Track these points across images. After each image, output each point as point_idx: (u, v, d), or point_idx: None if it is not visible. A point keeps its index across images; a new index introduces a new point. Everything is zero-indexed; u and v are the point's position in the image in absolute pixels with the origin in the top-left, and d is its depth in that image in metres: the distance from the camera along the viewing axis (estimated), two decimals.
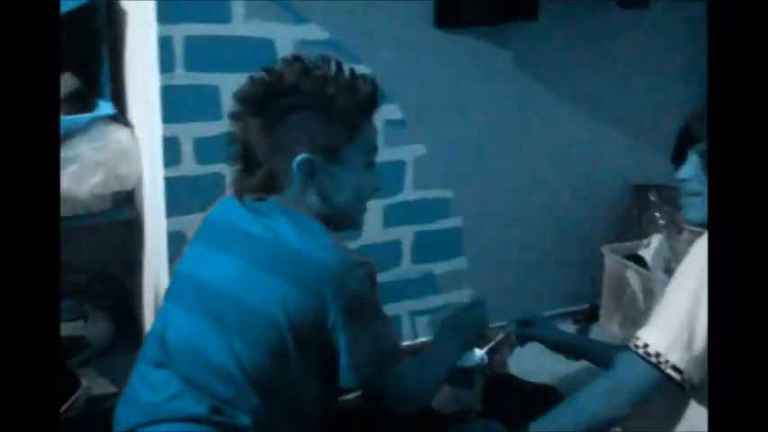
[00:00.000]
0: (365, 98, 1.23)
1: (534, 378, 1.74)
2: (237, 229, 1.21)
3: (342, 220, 1.26)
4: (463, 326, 1.42)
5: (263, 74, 1.22)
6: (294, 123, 1.19)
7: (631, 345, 1.25)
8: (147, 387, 1.21)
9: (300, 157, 1.19)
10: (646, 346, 1.23)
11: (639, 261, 2.22)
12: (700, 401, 1.25)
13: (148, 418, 1.17)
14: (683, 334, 1.20)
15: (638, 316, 2.13)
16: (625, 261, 2.23)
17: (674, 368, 1.21)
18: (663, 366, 1.21)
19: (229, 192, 1.27)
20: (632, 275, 2.20)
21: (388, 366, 1.23)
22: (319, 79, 1.21)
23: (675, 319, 1.22)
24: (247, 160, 1.22)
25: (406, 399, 1.29)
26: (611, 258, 2.26)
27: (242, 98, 1.22)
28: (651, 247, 2.22)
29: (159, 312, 1.28)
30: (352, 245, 2.00)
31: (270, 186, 1.21)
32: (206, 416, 1.15)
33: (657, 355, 1.22)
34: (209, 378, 1.16)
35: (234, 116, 1.23)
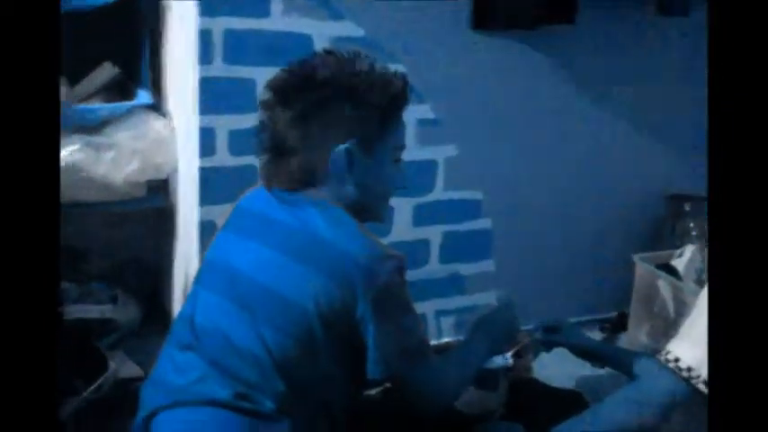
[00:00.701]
0: (397, 94, 1.24)
1: (559, 383, 1.73)
2: (268, 219, 1.23)
3: (370, 212, 1.28)
4: (494, 328, 1.42)
5: (297, 65, 1.24)
6: (331, 115, 1.21)
7: (662, 358, 1.24)
8: (174, 369, 1.22)
9: (343, 146, 1.20)
10: (677, 360, 1.22)
11: (671, 271, 2.19)
12: None
13: (173, 399, 1.19)
14: None
15: (667, 326, 2.10)
16: (656, 270, 2.20)
17: (706, 383, 1.19)
18: (694, 381, 1.20)
19: (261, 182, 1.29)
20: (663, 285, 2.18)
21: (416, 361, 1.23)
22: (354, 73, 1.22)
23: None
24: (277, 150, 1.23)
25: (432, 396, 1.29)
26: (642, 267, 2.23)
27: (275, 88, 1.23)
28: (684, 258, 2.19)
29: (188, 296, 1.31)
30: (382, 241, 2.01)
31: (303, 176, 1.22)
32: (229, 400, 1.16)
33: (689, 369, 1.20)
34: (234, 362, 1.18)
35: (265, 105, 1.24)
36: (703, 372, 1.19)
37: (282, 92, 1.22)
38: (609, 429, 1.25)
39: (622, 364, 1.52)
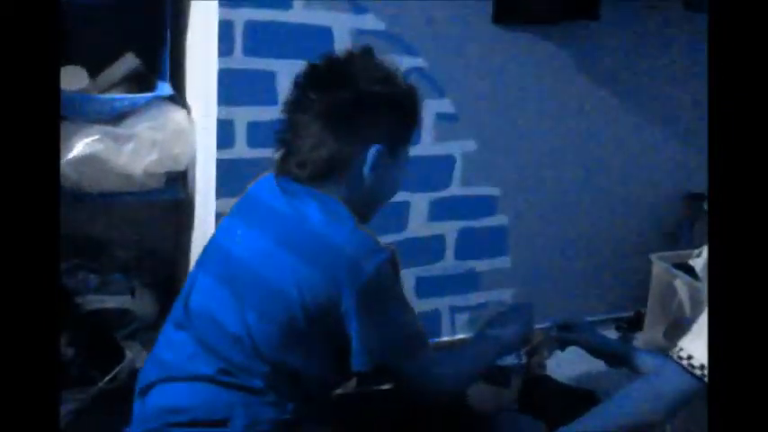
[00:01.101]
0: (420, 103, 1.28)
1: (573, 381, 1.73)
2: (268, 207, 1.25)
3: (368, 213, 1.29)
4: (508, 328, 1.41)
5: (340, 58, 1.25)
6: (366, 116, 1.22)
7: (674, 355, 1.24)
8: (168, 346, 1.27)
9: (378, 146, 1.22)
10: (690, 357, 1.22)
11: (689, 271, 2.17)
12: None
13: (165, 374, 1.23)
14: None
15: (684, 326, 2.09)
16: (674, 270, 2.18)
17: None
18: (707, 380, 1.19)
19: (276, 164, 1.29)
20: (681, 285, 2.16)
21: (408, 354, 1.24)
22: (393, 78, 1.25)
23: None
24: (299, 136, 1.23)
25: (434, 389, 1.29)
26: (659, 266, 2.22)
27: (318, 74, 1.24)
28: (702, 258, 2.17)
29: (188, 277, 1.33)
30: (397, 237, 2.01)
31: (324, 168, 1.23)
32: (213, 375, 1.19)
33: (702, 367, 1.20)
34: (220, 343, 1.20)
35: (300, 88, 1.24)
36: None
37: (324, 80, 1.23)
38: (618, 424, 1.26)
39: (637, 363, 1.51)
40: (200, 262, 1.32)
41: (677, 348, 1.24)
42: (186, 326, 1.25)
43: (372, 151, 1.21)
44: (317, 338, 1.19)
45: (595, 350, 1.57)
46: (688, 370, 1.21)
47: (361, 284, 1.16)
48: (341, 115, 1.21)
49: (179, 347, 1.24)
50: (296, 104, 1.24)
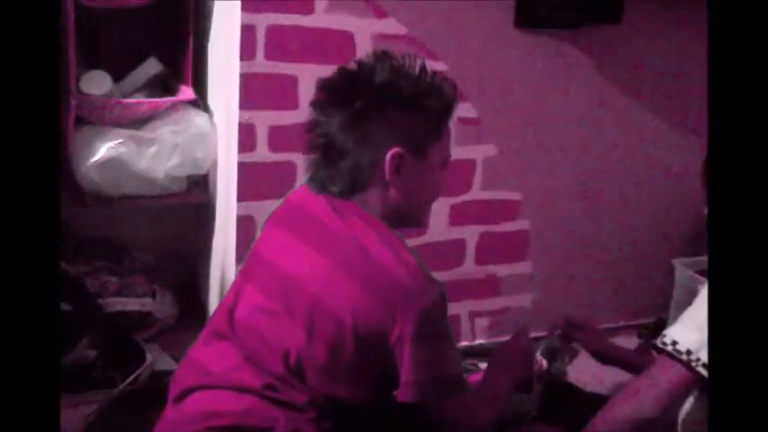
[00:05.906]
0: (450, 99, 1.25)
1: (592, 388, 1.71)
2: (322, 225, 1.23)
3: (413, 218, 1.28)
4: (510, 359, 1.40)
5: (353, 66, 1.23)
6: (386, 119, 1.20)
7: (659, 342, 1.22)
8: (209, 354, 1.26)
9: (394, 150, 1.20)
10: (674, 343, 1.20)
11: None
12: None
13: (205, 382, 1.23)
14: None
15: None
16: (697, 276, 2.16)
17: (706, 366, 1.17)
18: (694, 364, 1.18)
19: (307, 181, 1.29)
20: (704, 291, 2.14)
21: (449, 392, 1.22)
22: (410, 77, 1.22)
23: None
24: (327, 152, 1.23)
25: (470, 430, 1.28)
26: (682, 272, 2.20)
27: (330, 89, 1.23)
28: None
29: (233, 286, 1.33)
30: (418, 242, 2.01)
31: (352, 179, 1.22)
32: (258, 389, 1.19)
33: (688, 352, 1.19)
34: (267, 358, 1.20)
35: (318, 105, 1.24)
36: (702, 355, 1.18)
37: (337, 93, 1.22)
38: (614, 423, 1.24)
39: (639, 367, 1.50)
40: (245, 273, 1.31)
41: (661, 335, 1.23)
42: (230, 336, 1.25)
43: (390, 155, 1.20)
44: (361, 365, 1.19)
45: (602, 355, 1.56)
46: (674, 356, 1.19)
47: (416, 315, 1.15)
48: (356, 124, 1.20)
49: (222, 357, 1.24)
50: (316, 123, 1.23)
